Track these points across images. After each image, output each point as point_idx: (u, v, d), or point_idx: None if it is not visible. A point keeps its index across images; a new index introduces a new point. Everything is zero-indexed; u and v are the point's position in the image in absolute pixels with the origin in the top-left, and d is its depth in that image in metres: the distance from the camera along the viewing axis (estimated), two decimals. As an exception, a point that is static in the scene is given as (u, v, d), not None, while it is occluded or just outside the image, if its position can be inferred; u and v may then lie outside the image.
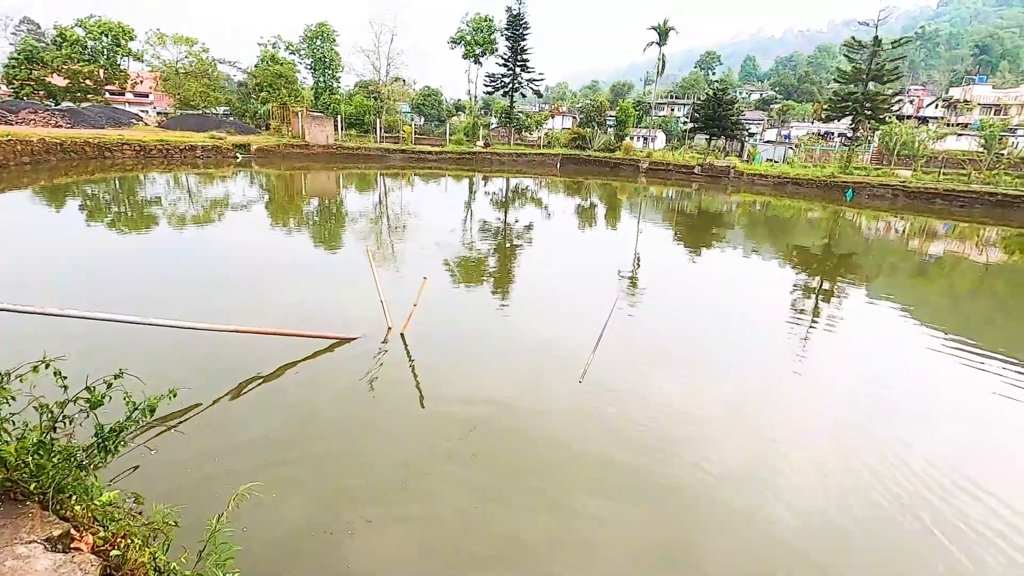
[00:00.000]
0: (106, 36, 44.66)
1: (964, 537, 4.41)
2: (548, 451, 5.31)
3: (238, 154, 34.36)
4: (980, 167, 37.42)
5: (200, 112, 46.74)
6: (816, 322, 10.06)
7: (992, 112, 66.24)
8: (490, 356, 7.56)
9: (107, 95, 48.91)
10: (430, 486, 4.63)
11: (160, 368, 6.09)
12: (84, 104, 42.56)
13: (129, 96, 59.70)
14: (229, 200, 20.33)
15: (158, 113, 54.58)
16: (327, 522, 4.09)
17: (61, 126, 32.52)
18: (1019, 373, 7.94)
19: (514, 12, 50.03)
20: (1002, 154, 39.21)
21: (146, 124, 41.36)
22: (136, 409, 3.01)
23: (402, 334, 7.47)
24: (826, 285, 13.21)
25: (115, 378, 3.00)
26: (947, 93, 75.85)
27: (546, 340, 8.09)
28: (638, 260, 14.91)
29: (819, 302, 11.59)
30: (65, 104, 42.45)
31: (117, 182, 22.88)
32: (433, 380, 6.53)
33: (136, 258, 11.72)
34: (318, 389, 6.10)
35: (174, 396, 3.17)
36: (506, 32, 50.87)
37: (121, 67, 47.40)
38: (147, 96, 64.70)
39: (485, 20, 51.19)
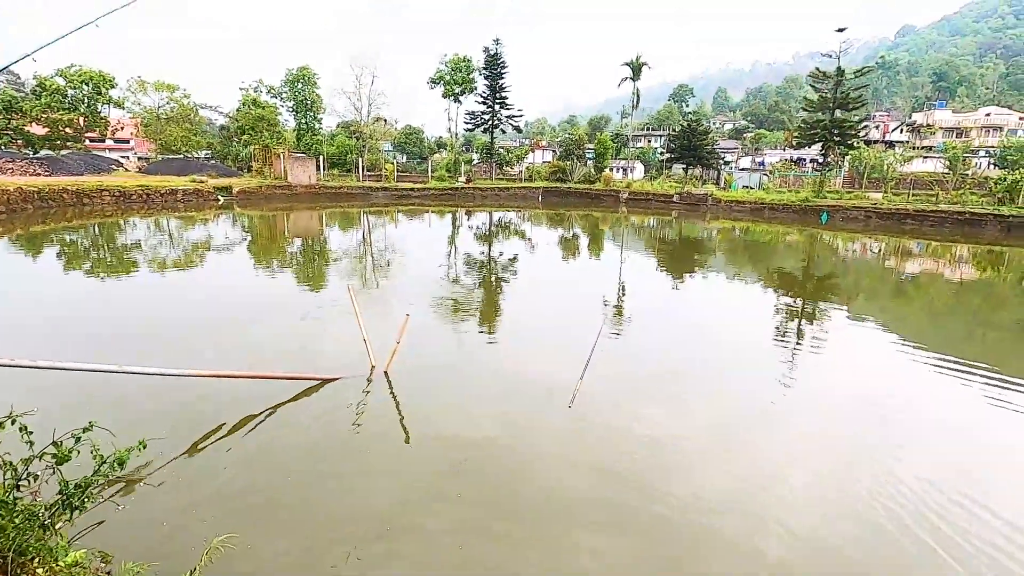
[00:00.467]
0: (87, 84, 44.85)
1: (966, 554, 4.36)
2: (538, 483, 5.20)
3: (220, 196, 34.33)
4: (947, 187, 38.71)
5: (182, 156, 46.81)
6: (801, 343, 10.14)
7: (954, 135, 68.99)
8: (477, 389, 7.46)
9: (87, 142, 48.84)
10: (418, 525, 4.49)
11: (133, 418, 5.91)
12: (64, 152, 42.42)
13: (110, 143, 59.69)
14: (210, 242, 20.19)
15: (139, 158, 54.55)
16: (309, 570, 3.93)
17: (39, 174, 32.29)
18: (1003, 385, 8.04)
19: (491, 52, 51.48)
20: (966, 174, 40.68)
21: (127, 170, 41.28)
22: (104, 463, 2.90)
23: (386, 372, 7.36)
24: (809, 307, 13.37)
25: (83, 431, 2.89)
26: (910, 118, 79.00)
27: (533, 371, 8.03)
28: (623, 288, 15.00)
29: (803, 324, 11.71)
30: (44, 152, 42.24)
31: (96, 228, 22.65)
32: (419, 417, 6.41)
33: (112, 304, 11.51)
34: (299, 432, 5.95)
35: (143, 447, 3.06)
36: (484, 71, 52.19)
37: (102, 114, 47.51)
38: (128, 142, 64.76)
39: (463, 60, 52.48)
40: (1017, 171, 35.38)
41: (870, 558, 4.36)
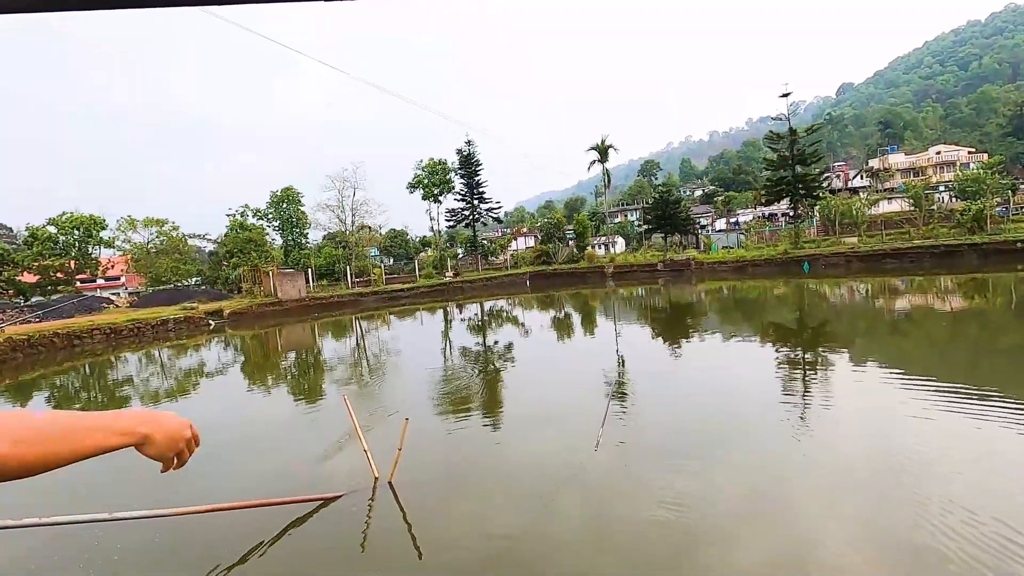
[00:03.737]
0: (78, 229, 46.32)
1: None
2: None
3: (211, 321, 34.44)
4: (917, 224, 40.01)
5: (172, 286, 47.47)
6: (810, 394, 9.91)
7: (911, 175, 72.46)
8: (488, 486, 7.08)
9: (78, 284, 49.54)
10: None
11: (115, 572, 5.49)
12: (54, 296, 42.89)
13: (100, 281, 60.64)
14: (201, 368, 19.94)
15: (130, 293, 55.21)
16: None
17: (30, 321, 32.38)
18: (1020, 408, 7.82)
19: (465, 153, 54.45)
20: (932, 210, 42.23)
21: (117, 306, 41.58)
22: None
23: (390, 482, 7.01)
24: (810, 357, 13.24)
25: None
26: (867, 165, 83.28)
27: (544, 455, 7.69)
28: (622, 360, 14.83)
29: (808, 374, 11.53)
30: (35, 299, 42.70)
31: (87, 368, 22.38)
32: (430, 527, 6.02)
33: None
34: (301, 560, 5.53)
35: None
36: (460, 171, 54.90)
37: (92, 256, 48.63)
38: (119, 278, 65.81)
39: (439, 164, 55.30)
40: (979, 201, 36.86)
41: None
